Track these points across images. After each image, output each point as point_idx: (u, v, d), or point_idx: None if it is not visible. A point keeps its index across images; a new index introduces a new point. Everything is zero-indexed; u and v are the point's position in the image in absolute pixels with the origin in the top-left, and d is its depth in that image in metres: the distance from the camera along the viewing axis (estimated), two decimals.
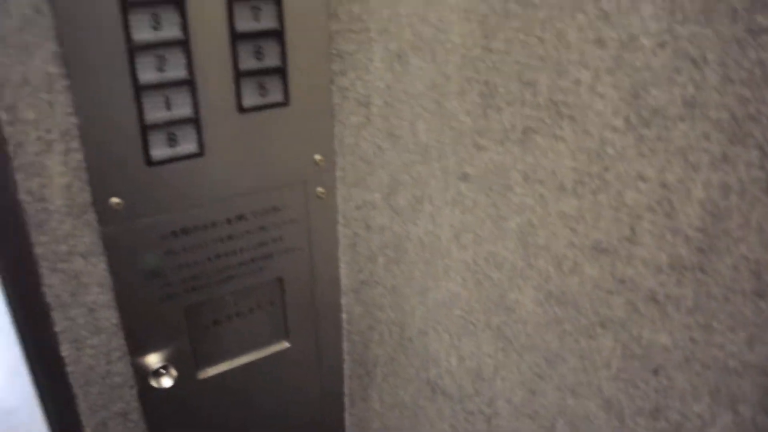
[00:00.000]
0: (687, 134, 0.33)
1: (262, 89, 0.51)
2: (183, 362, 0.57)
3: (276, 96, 0.52)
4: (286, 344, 0.64)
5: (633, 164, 0.36)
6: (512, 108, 0.42)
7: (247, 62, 0.50)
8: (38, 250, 0.46)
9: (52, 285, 0.48)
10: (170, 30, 0.46)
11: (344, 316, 0.66)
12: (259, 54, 0.50)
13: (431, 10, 0.47)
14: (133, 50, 0.45)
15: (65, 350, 0.50)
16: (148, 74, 0.46)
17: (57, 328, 0.49)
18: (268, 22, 0.50)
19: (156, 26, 0.45)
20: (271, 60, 0.51)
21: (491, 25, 0.42)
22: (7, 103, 0.42)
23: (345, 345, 0.68)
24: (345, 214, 0.61)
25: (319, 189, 0.58)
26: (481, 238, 0.49)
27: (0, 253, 0.45)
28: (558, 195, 0.41)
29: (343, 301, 0.66)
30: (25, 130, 0.43)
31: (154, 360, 0.55)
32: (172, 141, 0.49)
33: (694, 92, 0.32)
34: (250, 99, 0.51)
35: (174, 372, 0.57)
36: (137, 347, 0.54)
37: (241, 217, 0.55)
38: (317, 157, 0.57)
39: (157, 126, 0.48)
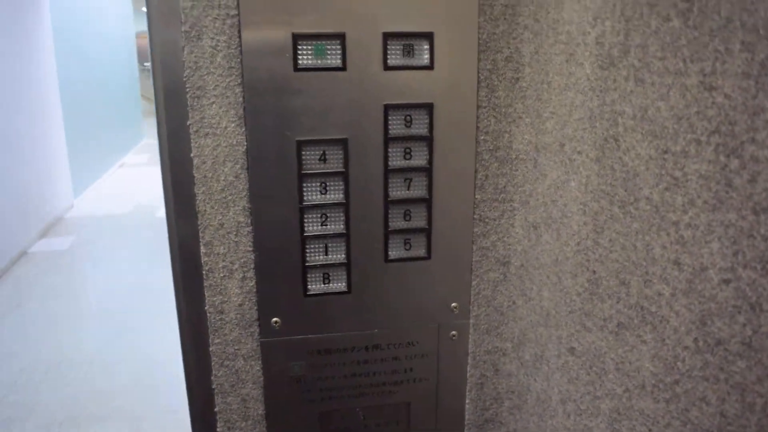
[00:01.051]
0: (744, 373, 0.33)
1: (407, 245, 0.58)
2: None
3: (419, 251, 0.59)
4: None
5: (698, 386, 0.37)
6: (611, 301, 0.45)
7: (396, 223, 0.57)
8: (212, 348, 0.59)
9: (218, 376, 0.60)
10: (334, 194, 0.56)
11: None
12: (407, 216, 0.57)
13: (559, 195, 0.50)
14: (304, 209, 0.55)
15: (220, 427, 0.62)
16: (313, 226, 0.56)
17: (216, 409, 0.61)
18: (418, 191, 0.57)
19: (323, 191, 0.55)
20: (418, 222, 0.58)
21: (600, 222, 0.45)
22: (207, 240, 0.55)
23: None
24: (475, 356, 0.65)
25: (453, 332, 0.63)
26: (581, 410, 0.51)
27: (188, 348, 0.59)
28: (640, 393, 0.42)
29: None
30: (216, 260, 0.56)
31: None
32: (326, 279, 0.58)
33: (751, 335, 0.32)
34: (395, 252, 0.58)
35: None
36: None
37: (377, 347, 0.62)
38: (453, 305, 0.62)
39: (315, 267, 0.57)
